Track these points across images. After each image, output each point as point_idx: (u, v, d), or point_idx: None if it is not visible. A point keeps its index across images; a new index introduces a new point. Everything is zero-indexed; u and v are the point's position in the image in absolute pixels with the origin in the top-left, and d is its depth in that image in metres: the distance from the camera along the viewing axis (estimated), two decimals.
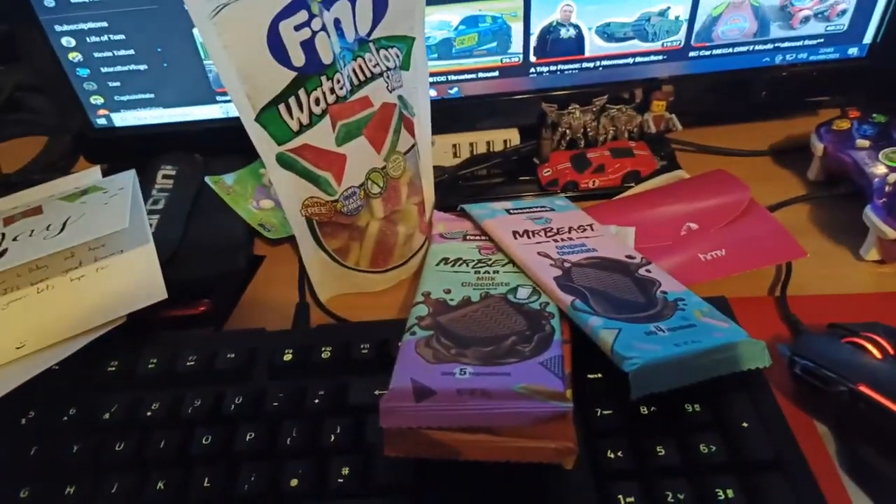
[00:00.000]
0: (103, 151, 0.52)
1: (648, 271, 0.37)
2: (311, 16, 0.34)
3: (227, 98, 0.50)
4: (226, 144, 0.52)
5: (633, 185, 0.50)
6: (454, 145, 0.52)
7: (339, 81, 0.37)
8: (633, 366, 0.29)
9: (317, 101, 0.36)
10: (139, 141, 0.51)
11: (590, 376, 0.33)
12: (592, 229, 0.43)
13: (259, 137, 0.36)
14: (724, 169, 0.48)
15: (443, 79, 0.50)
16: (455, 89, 0.51)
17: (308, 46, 0.34)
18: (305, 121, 0.36)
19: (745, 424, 0.30)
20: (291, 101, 0.35)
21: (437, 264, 0.40)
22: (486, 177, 0.53)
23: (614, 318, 0.33)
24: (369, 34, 0.38)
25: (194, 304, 0.41)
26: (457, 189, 0.52)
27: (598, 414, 0.31)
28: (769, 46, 0.49)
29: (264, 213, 0.48)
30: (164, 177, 0.49)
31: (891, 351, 0.32)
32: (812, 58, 0.50)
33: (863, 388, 0.30)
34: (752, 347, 0.31)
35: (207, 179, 0.49)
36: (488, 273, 0.39)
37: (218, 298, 0.43)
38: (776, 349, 0.36)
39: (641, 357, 0.30)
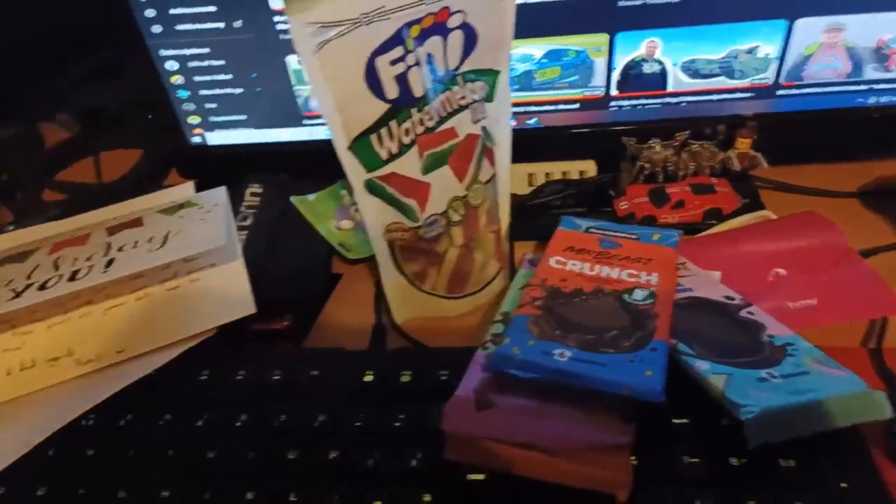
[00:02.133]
0: (195, 168, 0.55)
1: (751, 313, 0.36)
2: (406, 51, 0.35)
3: (314, 122, 0.52)
4: (309, 166, 0.54)
5: (714, 222, 0.49)
6: (529, 174, 0.53)
7: (428, 113, 0.38)
8: (749, 413, 0.29)
9: (406, 132, 0.37)
10: (229, 159, 0.54)
11: (675, 421, 0.33)
12: (686, 268, 0.42)
13: (350, 164, 0.37)
14: (815, 210, 0.47)
15: (522, 109, 0.51)
16: (534, 120, 0.51)
17: (402, 80, 0.36)
18: (395, 150, 0.37)
19: (843, 485, 0.29)
20: (383, 131, 0.36)
21: (523, 287, 0.41)
22: (560, 207, 0.53)
23: (722, 363, 0.32)
24: (458, 68, 0.39)
25: (278, 319, 0.43)
26: (530, 217, 0.52)
27: (686, 461, 0.31)
28: (862, 87, 0.48)
29: (344, 234, 0.50)
30: (252, 195, 0.51)
31: None
32: None
33: None
34: (873, 398, 0.30)
35: (293, 199, 0.51)
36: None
37: (299, 315, 0.44)
38: None
39: (757, 405, 0.29)
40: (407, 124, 0.37)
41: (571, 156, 0.53)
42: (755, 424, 0.28)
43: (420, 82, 0.36)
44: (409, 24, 0.35)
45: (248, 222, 0.48)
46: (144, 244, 0.41)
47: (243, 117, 0.52)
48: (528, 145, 0.51)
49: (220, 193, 0.48)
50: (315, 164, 0.54)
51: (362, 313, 0.46)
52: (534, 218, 0.52)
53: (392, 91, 0.36)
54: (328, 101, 0.34)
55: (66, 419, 0.34)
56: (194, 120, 0.52)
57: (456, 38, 0.38)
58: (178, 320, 0.39)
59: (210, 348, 0.39)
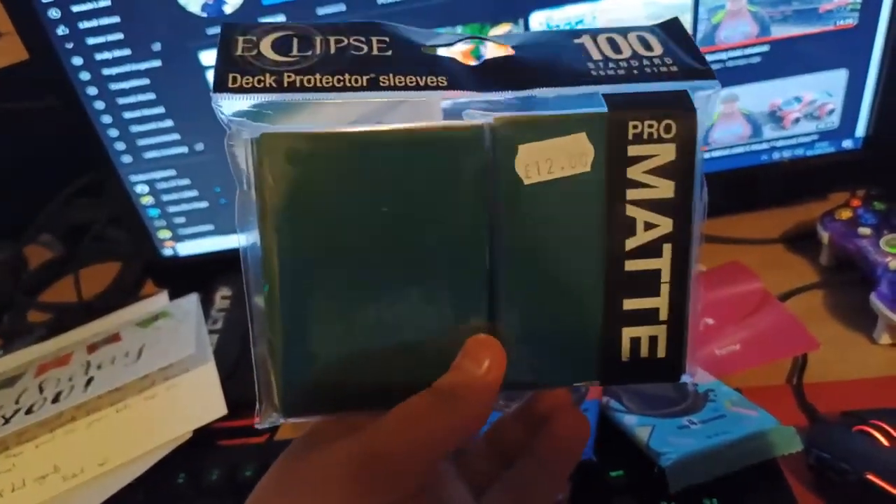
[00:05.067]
0: (169, 277, 0.59)
1: None
2: None
3: None
4: None
5: None
6: None
7: None
8: (668, 460, 0.32)
9: None
10: (200, 265, 0.58)
11: (612, 474, 0.36)
12: None
13: None
14: (737, 260, 0.51)
15: None
16: None
17: None
18: None
19: None
20: None
21: None
22: None
23: (647, 415, 0.36)
24: None
25: (250, 415, 0.46)
26: None
27: None
28: (765, 146, 0.53)
29: None
30: (223, 297, 0.55)
31: None
32: (808, 153, 0.53)
33: (871, 477, 0.32)
34: (782, 434, 0.33)
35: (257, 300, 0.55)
36: None
37: None
38: None
39: (675, 451, 0.32)
40: None
41: None
42: (674, 469, 0.31)
43: None
44: None
45: (219, 325, 0.52)
46: (122, 359, 0.44)
47: (210, 227, 0.56)
48: None
49: (191, 301, 0.52)
50: None
51: None
52: None
53: None
54: None
55: None
56: (165, 234, 0.57)
57: None
58: (155, 427, 0.42)
59: (186, 450, 0.42)
